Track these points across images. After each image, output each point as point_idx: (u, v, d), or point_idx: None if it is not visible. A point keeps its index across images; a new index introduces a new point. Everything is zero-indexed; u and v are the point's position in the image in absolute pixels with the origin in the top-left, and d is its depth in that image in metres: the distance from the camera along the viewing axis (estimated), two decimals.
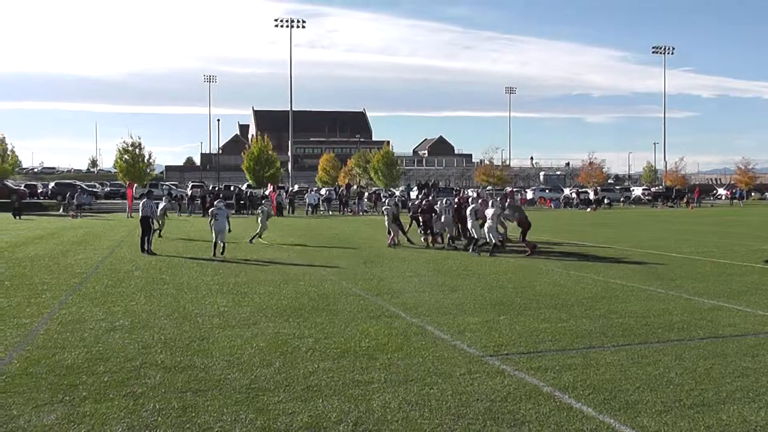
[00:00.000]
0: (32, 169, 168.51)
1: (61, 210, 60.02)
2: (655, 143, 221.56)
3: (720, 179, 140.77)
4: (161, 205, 31.44)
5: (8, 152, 73.26)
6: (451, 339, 10.65)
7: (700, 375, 8.57)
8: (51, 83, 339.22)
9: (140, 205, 25.95)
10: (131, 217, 50.00)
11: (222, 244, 23.79)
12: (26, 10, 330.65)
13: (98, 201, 70.70)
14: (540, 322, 11.93)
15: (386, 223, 27.84)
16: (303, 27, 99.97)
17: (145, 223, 24.96)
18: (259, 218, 29.64)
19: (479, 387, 8.13)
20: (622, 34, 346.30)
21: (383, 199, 54.99)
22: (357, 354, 9.71)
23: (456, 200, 28.82)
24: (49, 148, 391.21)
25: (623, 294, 14.92)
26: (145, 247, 24.58)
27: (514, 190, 73.11)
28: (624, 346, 10.18)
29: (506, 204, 26.06)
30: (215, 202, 28.06)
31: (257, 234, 28.89)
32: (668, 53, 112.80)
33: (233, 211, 54.31)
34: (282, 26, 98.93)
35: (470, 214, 24.80)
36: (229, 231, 24.13)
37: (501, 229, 25.01)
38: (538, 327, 11.50)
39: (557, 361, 9.32)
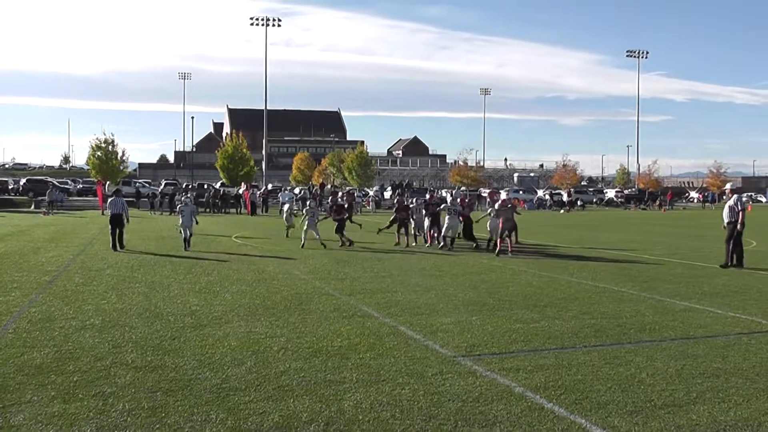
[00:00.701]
0: (3, 164, 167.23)
1: (33, 207, 59.63)
2: (628, 146, 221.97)
3: (692, 182, 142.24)
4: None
5: None
6: (423, 339, 10.63)
7: (671, 375, 8.61)
8: (24, 79, 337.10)
9: (109, 202, 26.35)
10: (105, 214, 49.62)
11: (189, 239, 25.16)
12: None
13: (70, 198, 70.22)
14: (513, 322, 11.94)
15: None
16: (279, 26, 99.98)
17: (116, 220, 25.14)
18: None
19: (451, 387, 8.12)
20: (599, 38, 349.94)
21: (356, 199, 55.50)
22: (329, 353, 9.67)
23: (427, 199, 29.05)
24: (21, 144, 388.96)
25: (596, 295, 14.98)
26: (117, 246, 24.76)
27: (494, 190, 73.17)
28: (596, 346, 10.20)
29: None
30: (181, 198, 30.24)
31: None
32: (642, 57, 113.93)
33: (204, 209, 54.22)
34: (257, 24, 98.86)
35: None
36: (197, 223, 24.67)
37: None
38: (511, 327, 11.50)
39: (529, 361, 9.32)
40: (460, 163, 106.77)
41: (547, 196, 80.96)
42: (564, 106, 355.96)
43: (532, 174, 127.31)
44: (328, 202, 37.58)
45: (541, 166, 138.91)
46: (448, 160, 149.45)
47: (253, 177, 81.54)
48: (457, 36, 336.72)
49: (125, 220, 25.85)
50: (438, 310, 13.15)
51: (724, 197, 20.79)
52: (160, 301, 13.96)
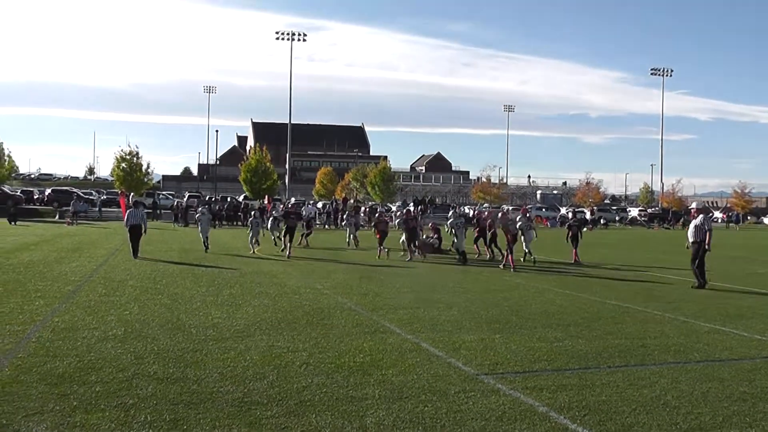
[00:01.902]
0: (29, 175, 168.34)
1: (57, 217, 60.03)
2: (652, 165, 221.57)
3: (716, 202, 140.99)
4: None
5: (5, 157, 73.14)
6: (446, 356, 10.56)
7: (696, 399, 8.48)
8: (50, 90, 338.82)
9: (128, 213, 27.55)
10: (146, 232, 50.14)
11: (207, 242, 30.02)
12: (27, 18, 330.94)
13: (94, 209, 70.59)
14: (536, 341, 11.84)
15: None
16: (304, 40, 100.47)
17: (135, 230, 26.56)
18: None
19: (474, 406, 8.05)
20: (622, 56, 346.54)
21: (376, 215, 55.47)
22: (351, 369, 9.61)
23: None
24: (47, 154, 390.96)
25: (619, 315, 14.84)
26: (137, 254, 26.13)
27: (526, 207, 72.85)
28: (620, 367, 10.09)
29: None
30: (199, 208, 35.06)
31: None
32: (666, 75, 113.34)
33: (218, 221, 54.85)
34: (283, 39, 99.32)
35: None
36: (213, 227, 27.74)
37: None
38: (534, 346, 11.40)
39: (553, 381, 9.23)
40: (483, 179, 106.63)
41: (570, 214, 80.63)
42: (587, 124, 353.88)
43: (555, 191, 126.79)
44: (349, 217, 38.84)
45: (564, 183, 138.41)
46: (471, 177, 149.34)
47: (276, 191, 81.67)
48: (480, 52, 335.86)
49: (143, 231, 27.01)
50: (461, 327, 13.07)
51: (691, 216, 20.73)
52: (182, 313, 13.97)
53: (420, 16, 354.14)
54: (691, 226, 20.67)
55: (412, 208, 36.89)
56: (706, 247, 19.86)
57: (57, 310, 14.17)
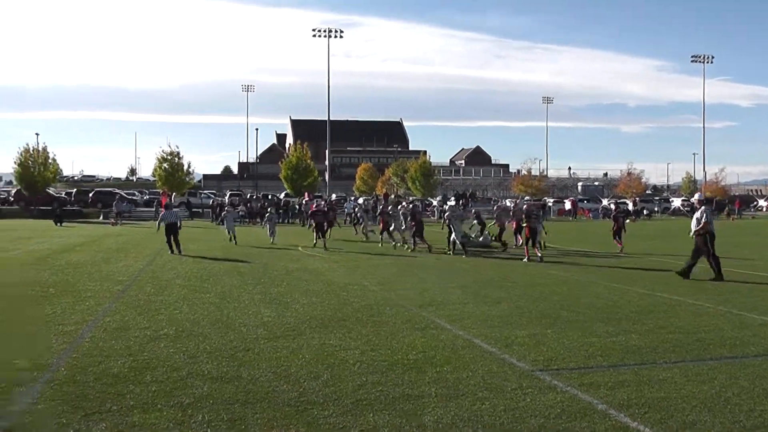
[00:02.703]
0: (73, 177, 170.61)
1: (101, 217, 60.66)
2: (694, 153, 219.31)
3: (761, 190, 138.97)
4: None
5: (50, 160, 73.93)
6: (499, 352, 10.47)
7: (758, 395, 8.29)
8: (91, 93, 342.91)
9: (163, 214, 29.85)
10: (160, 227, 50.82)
11: (233, 237, 33.88)
12: (68, 22, 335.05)
13: (137, 209, 71.23)
14: (588, 336, 11.70)
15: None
16: (341, 37, 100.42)
17: (171, 228, 28.29)
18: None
19: (532, 403, 7.96)
20: (659, 44, 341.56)
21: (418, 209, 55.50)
22: (405, 367, 9.56)
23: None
24: (89, 156, 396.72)
25: (671, 308, 14.63)
26: (175, 250, 27.72)
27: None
28: (677, 362, 9.92)
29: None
30: (227, 208, 41.01)
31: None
32: (707, 62, 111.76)
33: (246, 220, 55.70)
34: (320, 36, 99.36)
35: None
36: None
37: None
38: (587, 341, 11.27)
39: (609, 377, 9.09)
40: (524, 172, 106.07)
41: (612, 205, 79.86)
42: (625, 114, 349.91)
43: (596, 183, 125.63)
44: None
45: (605, 174, 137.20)
46: (510, 170, 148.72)
47: (316, 187, 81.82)
48: (514, 44, 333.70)
49: (179, 227, 29.02)
50: (511, 322, 12.97)
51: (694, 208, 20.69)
52: (231, 312, 14.02)
53: (453, 10, 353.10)
54: (693, 218, 20.50)
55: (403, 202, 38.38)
56: (700, 231, 19.68)
57: (107, 309, 14.29)
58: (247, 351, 10.51)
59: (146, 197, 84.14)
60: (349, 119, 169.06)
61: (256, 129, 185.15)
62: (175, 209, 31.74)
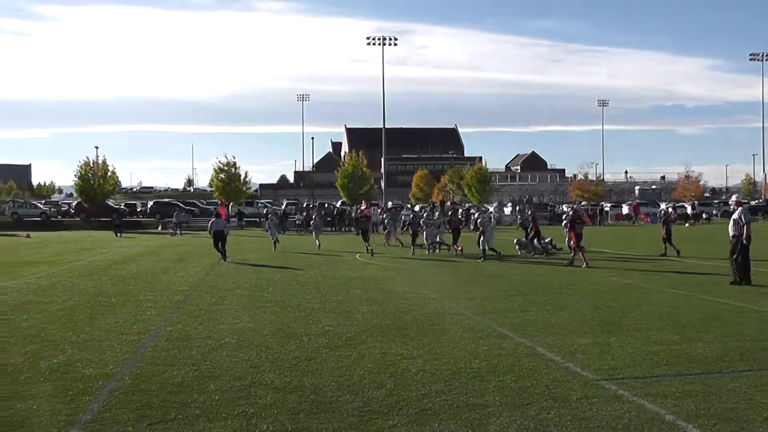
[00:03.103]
0: (131, 188, 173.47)
1: (160, 228, 61.44)
2: (754, 155, 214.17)
3: None
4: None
5: (109, 173, 75.33)
6: (562, 361, 10.32)
7: None
8: (148, 106, 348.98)
9: (212, 222, 31.72)
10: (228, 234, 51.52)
11: (276, 242, 36.57)
12: (125, 38, 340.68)
13: (195, 219, 72.01)
14: (652, 344, 11.46)
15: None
16: (395, 44, 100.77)
17: (219, 236, 30.12)
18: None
19: (598, 413, 7.80)
20: (715, 43, 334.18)
21: (474, 216, 55.65)
22: (468, 375, 9.45)
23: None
24: (147, 168, 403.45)
25: (735, 315, 14.29)
26: (224, 257, 29.44)
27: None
28: (744, 372, 9.65)
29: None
30: (269, 216, 44.10)
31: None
32: (766, 60, 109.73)
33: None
34: (374, 44, 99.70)
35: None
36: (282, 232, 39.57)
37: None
38: (651, 350, 11.04)
39: (676, 386, 8.87)
40: (580, 177, 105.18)
41: (670, 209, 78.61)
42: (682, 115, 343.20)
43: (653, 186, 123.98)
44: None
45: (663, 178, 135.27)
46: (566, 174, 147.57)
47: (373, 195, 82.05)
48: (568, 48, 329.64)
49: (227, 234, 31.12)
50: (573, 330, 12.79)
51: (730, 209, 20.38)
52: (292, 321, 14.02)
53: (507, 15, 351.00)
54: (731, 220, 20.01)
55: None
56: (744, 240, 19.12)
57: (169, 319, 14.40)
58: (309, 360, 10.48)
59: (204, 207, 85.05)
60: (404, 127, 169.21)
61: (312, 138, 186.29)
62: (220, 219, 33.37)
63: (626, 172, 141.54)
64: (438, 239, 33.73)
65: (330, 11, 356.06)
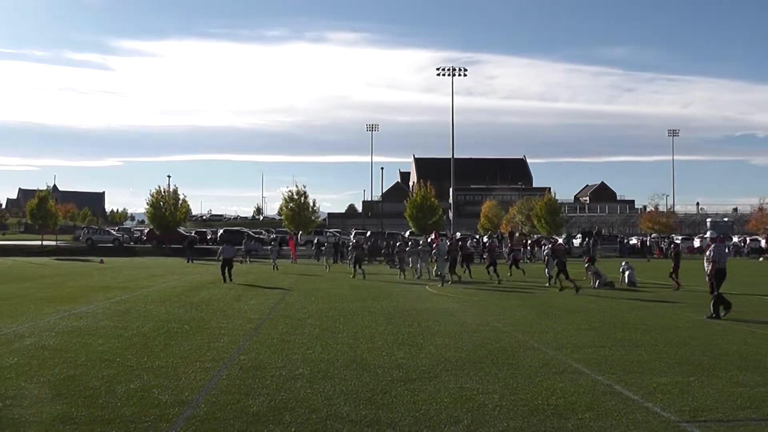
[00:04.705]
0: (201, 216, 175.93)
1: (246, 257, 62.17)
2: None
3: None
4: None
5: (180, 202, 76.71)
6: (641, 400, 10.07)
7: None
8: (219, 137, 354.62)
9: (222, 249, 35.48)
10: (296, 263, 52.33)
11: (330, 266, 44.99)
12: (199, 70, 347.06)
13: (266, 247, 72.62)
14: (734, 385, 11.11)
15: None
16: (465, 75, 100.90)
17: (228, 262, 33.65)
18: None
19: None
20: None
21: (543, 246, 55.64)
22: (546, 413, 9.29)
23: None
24: (217, 197, 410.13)
25: None
26: (227, 278, 32.85)
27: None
28: None
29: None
30: (325, 244, 52.12)
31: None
32: None
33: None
34: (444, 75, 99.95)
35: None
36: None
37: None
38: (734, 391, 10.71)
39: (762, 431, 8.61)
40: (650, 208, 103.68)
41: (743, 243, 76.79)
42: (754, 145, 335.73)
43: (725, 218, 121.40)
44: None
45: (735, 210, 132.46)
46: (636, 206, 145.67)
47: (442, 226, 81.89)
48: (641, 76, 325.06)
49: (233, 262, 34.90)
50: (651, 368, 12.49)
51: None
52: (365, 353, 13.96)
53: (579, 45, 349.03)
54: (704, 258, 21.03)
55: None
56: (705, 277, 20.47)
57: (242, 347, 14.46)
58: (384, 394, 10.40)
59: (273, 236, 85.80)
60: (472, 157, 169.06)
61: (381, 168, 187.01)
62: (231, 246, 37.56)
63: (698, 203, 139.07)
64: (426, 267, 36.90)
65: (400, 42, 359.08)
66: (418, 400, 9.97)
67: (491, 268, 34.88)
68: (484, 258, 44.31)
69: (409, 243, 42.11)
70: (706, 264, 20.45)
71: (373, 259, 56.81)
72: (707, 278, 20.40)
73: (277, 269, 43.96)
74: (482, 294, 27.69)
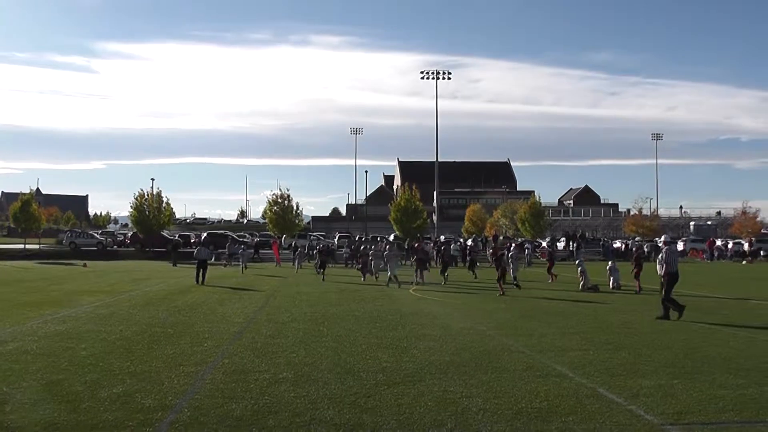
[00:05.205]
0: (185, 219, 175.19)
1: (213, 259, 61.91)
2: None
3: None
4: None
5: (164, 205, 76.55)
6: (625, 403, 10.09)
7: None
8: (202, 139, 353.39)
9: (197, 251, 37.56)
10: (279, 266, 52.36)
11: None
12: (181, 73, 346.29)
13: (249, 250, 72.46)
14: (717, 388, 11.16)
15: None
16: (449, 78, 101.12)
17: (202, 264, 34.97)
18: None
19: None
20: None
21: (526, 250, 56.18)
22: (530, 416, 9.30)
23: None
24: (200, 200, 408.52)
25: None
26: (200, 280, 34.06)
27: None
28: None
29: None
30: (299, 249, 52.25)
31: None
32: None
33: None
34: (428, 78, 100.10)
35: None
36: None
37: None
38: (716, 393, 10.74)
39: None
40: (634, 212, 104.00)
41: (729, 245, 77.11)
42: (738, 149, 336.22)
43: (709, 222, 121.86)
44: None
45: (719, 213, 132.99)
46: (620, 209, 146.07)
47: (425, 229, 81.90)
48: (625, 80, 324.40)
49: (207, 263, 36.25)
50: (635, 371, 12.52)
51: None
52: (349, 356, 13.93)
53: (563, 49, 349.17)
54: (657, 261, 21.36)
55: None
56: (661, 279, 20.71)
57: (225, 351, 14.44)
58: (368, 397, 10.39)
59: (257, 239, 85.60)
60: (457, 161, 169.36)
61: (366, 171, 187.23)
62: (205, 248, 39.62)
63: (681, 207, 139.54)
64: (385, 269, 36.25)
65: (384, 45, 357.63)
66: (402, 404, 9.97)
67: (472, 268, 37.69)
68: (466, 261, 44.94)
69: (372, 247, 43.87)
70: (658, 267, 20.79)
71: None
72: (661, 279, 20.75)
73: (244, 271, 45.85)
74: (466, 297, 27.74)
